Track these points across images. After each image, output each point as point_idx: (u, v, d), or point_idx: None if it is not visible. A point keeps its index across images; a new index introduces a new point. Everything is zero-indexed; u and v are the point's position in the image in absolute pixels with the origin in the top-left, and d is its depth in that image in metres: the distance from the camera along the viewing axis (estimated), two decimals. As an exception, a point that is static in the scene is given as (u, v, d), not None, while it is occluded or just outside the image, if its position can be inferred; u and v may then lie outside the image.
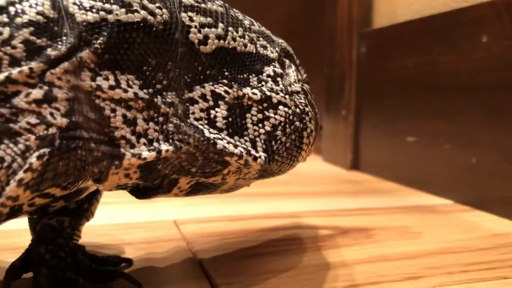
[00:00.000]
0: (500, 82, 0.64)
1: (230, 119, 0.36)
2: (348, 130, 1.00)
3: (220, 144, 0.34)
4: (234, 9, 0.40)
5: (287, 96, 0.40)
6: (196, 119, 0.34)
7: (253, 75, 0.39)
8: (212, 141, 0.34)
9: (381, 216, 0.62)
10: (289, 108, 0.39)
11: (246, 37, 0.39)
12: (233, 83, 0.37)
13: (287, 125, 0.39)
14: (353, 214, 0.63)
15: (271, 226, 0.57)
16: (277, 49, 0.42)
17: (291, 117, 0.39)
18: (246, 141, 0.36)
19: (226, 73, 0.37)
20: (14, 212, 0.30)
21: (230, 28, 0.38)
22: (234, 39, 0.38)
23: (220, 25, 0.37)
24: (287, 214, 0.63)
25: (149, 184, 0.35)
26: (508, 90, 0.62)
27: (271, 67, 0.40)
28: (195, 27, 0.35)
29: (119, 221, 0.57)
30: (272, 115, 0.38)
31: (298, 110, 0.40)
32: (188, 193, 0.38)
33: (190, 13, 0.35)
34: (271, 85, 0.39)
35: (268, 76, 0.39)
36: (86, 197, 0.41)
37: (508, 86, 0.62)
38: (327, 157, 1.10)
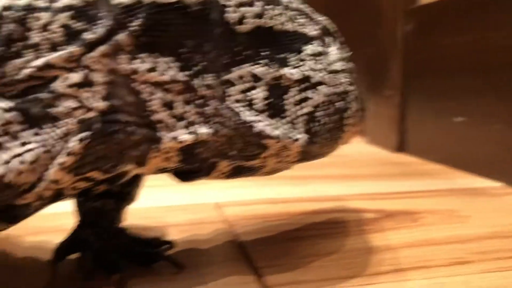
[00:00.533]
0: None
1: (269, 100, 0.35)
2: (393, 111, 0.97)
3: (259, 126, 0.34)
4: None
5: (327, 76, 0.38)
6: (235, 101, 0.34)
7: (292, 54, 0.37)
8: (249, 124, 0.33)
9: (427, 199, 0.61)
10: (330, 87, 0.38)
11: (284, 15, 0.38)
12: (271, 63, 0.36)
13: (328, 105, 0.38)
14: (399, 197, 0.61)
15: (314, 209, 0.56)
16: (317, 27, 0.41)
17: (332, 97, 0.38)
18: (286, 122, 0.36)
19: (264, 53, 0.36)
20: (58, 195, 0.31)
21: (268, 7, 0.36)
22: (271, 18, 0.37)
23: (257, 3, 0.36)
24: (330, 197, 0.62)
25: (190, 167, 0.35)
26: None
27: (311, 45, 0.39)
28: (232, 6, 0.34)
29: (162, 204, 0.57)
30: (312, 95, 0.37)
31: (339, 89, 0.39)
32: (228, 176, 0.37)
33: None
34: (311, 64, 0.38)
35: (307, 55, 0.38)
36: (129, 180, 0.41)
37: None
38: (371, 139, 1.08)
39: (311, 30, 0.40)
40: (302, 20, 0.40)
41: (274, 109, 0.35)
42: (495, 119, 0.70)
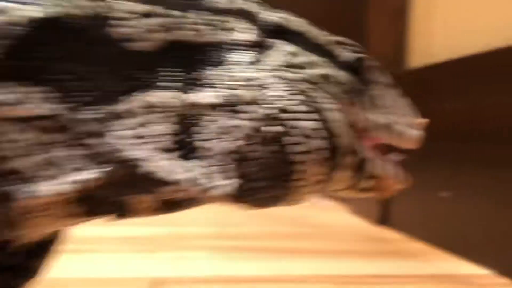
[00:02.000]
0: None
1: (179, 136, 0.28)
2: (377, 179, 0.90)
3: (162, 168, 0.27)
4: None
5: (262, 92, 0.31)
6: (130, 138, 0.27)
7: (214, 69, 0.31)
8: (150, 164, 0.27)
9: (403, 286, 0.53)
10: (265, 107, 0.31)
11: (204, 22, 0.31)
12: (182, 85, 0.29)
13: (263, 134, 0.31)
14: (372, 282, 0.54)
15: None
16: (257, 27, 0.34)
17: (266, 121, 0.31)
18: (206, 164, 0.29)
19: (172, 74, 0.29)
20: None
21: (176, 13, 0.30)
22: (182, 28, 0.30)
23: (159, 12, 0.30)
24: (292, 277, 0.54)
25: (103, 212, 0.28)
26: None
27: (242, 53, 0.32)
28: (123, 19, 0.28)
29: (85, 275, 0.49)
30: (239, 121, 0.30)
31: (277, 110, 0.32)
32: (162, 211, 0.31)
33: (117, 2, 0.28)
34: (239, 78, 0.31)
35: (236, 64, 0.32)
36: (33, 249, 0.34)
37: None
38: (354, 209, 1.00)
39: (246, 33, 0.33)
40: (233, 24, 0.33)
41: (188, 147, 0.28)
42: (484, 196, 0.63)
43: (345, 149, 0.35)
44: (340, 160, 0.35)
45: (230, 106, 0.30)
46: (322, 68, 0.37)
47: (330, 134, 0.34)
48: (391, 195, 0.39)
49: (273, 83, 0.33)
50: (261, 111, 0.31)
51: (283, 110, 0.32)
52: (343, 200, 1.08)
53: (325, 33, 0.41)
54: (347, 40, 0.42)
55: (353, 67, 0.40)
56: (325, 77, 0.36)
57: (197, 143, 0.29)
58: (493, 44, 0.66)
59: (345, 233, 0.83)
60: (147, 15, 0.29)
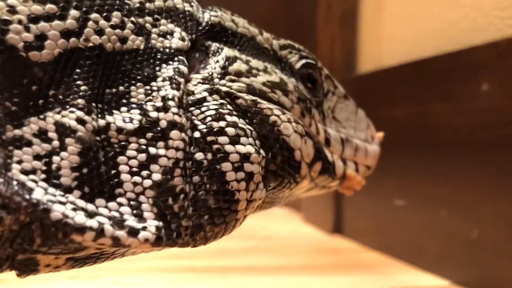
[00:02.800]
0: (504, 139, 0.53)
1: (84, 169, 0.24)
2: (330, 187, 0.88)
3: (59, 211, 0.23)
4: None
5: (194, 110, 0.28)
6: (26, 172, 0.23)
7: (139, 84, 0.27)
8: (44, 207, 0.22)
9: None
10: (193, 130, 0.28)
11: (129, 25, 0.27)
12: (94, 105, 0.25)
13: (199, 167, 0.28)
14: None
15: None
16: (193, 29, 0.31)
17: (194, 147, 0.28)
18: (119, 204, 0.25)
19: (84, 90, 0.25)
20: None
21: (94, 15, 0.26)
22: (100, 33, 0.26)
23: (73, 12, 0.25)
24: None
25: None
26: (511, 149, 0.51)
27: (174, 63, 0.29)
28: (20, 22, 0.24)
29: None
30: (162, 151, 0.26)
31: (208, 132, 0.28)
32: (71, 267, 0.27)
33: (11, 1, 0.24)
34: (166, 95, 0.27)
35: (166, 79, 0.28)
36: None
37: (511, 144, 0.51)
38: (307, 217, 0.97)
39: (180, 39, 0.30)
40: (165, 27, 0.29)
41: (96, 183, 0.24)
42: (439, 204, 0.61)
43: (305, 160, 0.35)
44: (301, 173, 0.34)
45: (151, 132, 0.27)
46: (268, 75, 0.35)
47: (285, 148, 0.33)
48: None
49: (203, 99, 0.30)
50: (186, 135, 0.28)
51: (217, 132, 0.29)
52: (295, 208, 1.06)
53: (271, 35, 0.39)
54: (295, 45, 0.40)
55: (303, 75, 0.38)
56: (271, 85, 0.34)
57: (105, 179, 0.25)
58: (442, 49, 0.65)
59: (298, 245, 0.80)
60: (56, 16, 0.25)
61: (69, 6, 0.25)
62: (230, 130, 0.30)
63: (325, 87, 0.41)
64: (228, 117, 0.30)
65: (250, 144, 0.30)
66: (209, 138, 0.29)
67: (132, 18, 0.28)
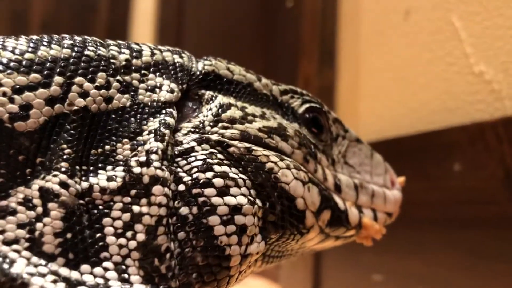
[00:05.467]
0: (475, 217, 0.55)
1: (68, 234, 0.23)
2: (309, 258, 0.88)
3: (37, 285, 0.22)
4: (107, 40, 0.28)
5: (180, 161, 0.27)
6: (8, 243, 0.22)
7: (125, 141, 0.27)
8: (22, 281, 0.22)
9: None
10: (178, 183, 0.27)
11: (114, 84, 0.27)
12: (78, 168, 0.25)
13: (186, 223, 0.26)
14: None
15: None
16: (184, 80, 0.30)
17: (180, 202, 0.27)
18: (105, 269, 0.24)
19: (67, 153, 0.25)
20: None
21: (78, 79, 0.26)
22: (85, 95, 0.26)
23: (57, 79, 0.26)
24: None
25: None
26: (483, 227, 0.53)
27: (161, 116, 0.28)
28: (4, 94, 0.24)
29: None
30: (145, 208, 0.25)
31: (193, 185, 0.27)
32: None
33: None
34: (150, 148, 0.27)
35: (151, 132, 0.27)
36: None
37: (483, 223, 0.53)
38: (285, 287, 0.97)
39: (167, 91, 0.29)
40: (153, 81, 0.29)
41: (80, 249, 0.23)
42: (416, 281, 0.62)
43: (310, 209, 0.33)
44: (305, 223, 0.32)
45: (135, 189, 0.26)
46: (265, 121, 0.33)
47: (285, 196, 0.31)
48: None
49: (191, 149, 0.29)
50: (169, 190, 0.27)
51: (203, 184, 0.28)
52: (273, 279, 1.05)
53: (271, 81, 0.38)
54: (298, 89, 0.39)
55: (306, 119, 0.37)
56: (268, 130, 0.33)
57: (89, 243, 0.24)
58: (417, 128, 0.68)
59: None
60: (41, 84, 0.25)
61: (53, 72, 0.26)
62: (218, 181, 0.28)
63: (333, 131, 0.39)
64: (216, 167, 0.29)
65: (242, 194, 0.29)
66: (194, 191, 0.27)
67: (118, 77, 0.28)
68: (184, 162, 0.28)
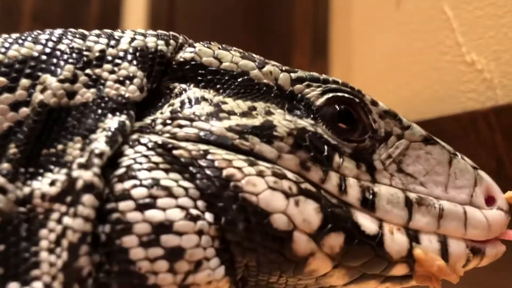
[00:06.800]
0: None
1: (1, 246, 0.21)
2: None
3: None
4: (70, 32, 0.26)
5: (108, 170, 0.23)
6: None
7: (77, 139, 0.23)
8: None
9: None
10: (118, 198, 0.23)
11: (81, 78, 0.24)
12: (22, 170, 0.22)
13: (93, 240, 0.22)
14: None
15: None
16: (159, 72, 0.27)
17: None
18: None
19: (13, 153, 0.22)
20: None
21: (43, 77, 0.24)
22: (44, 90, 0.23)
23: (23, 82, 0.23)
24: None
25: None
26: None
27: (122, 116, 0.24)
28: None
29: None
30: (70, 221, 0.21)
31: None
32: None
33: None
34: (94, 149, 0.23)
35: (105, 130, 0.23)
36: None
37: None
38: None
39: (138, 87, 0.26)
40: (130, 70, 0.26)
41: (8, 265, 0.21)
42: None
43: (300, 229, 0.25)
44: (293, 248, 0.25)
45: (68, 196, 0.22)
46: (245, 119, 0.27)
47: (251, 211, 0.25)
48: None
49: (120, 154, 0.24)
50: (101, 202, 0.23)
51: (118, 197, 0.23)
52: None
53: (281, 67, 0.31)
54: (321, 76, 0.31)
55: (329, 113, 0.29)
56: (241, 130, 0.27)
57: (22, 258, 0.21)
58: (409, 117, 0.68)
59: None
60: None
61: (21, 75, 0.24)
62: (139, 192, 0.23)
63: (379, 128, 0.31)
64: (142, 174, 0.24)
65: (178, 207, 0.23)
66: (108, 206, 0.23)
67: (88, 70, 0.25)
68: (111, 170, 0.24)
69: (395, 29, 0.72)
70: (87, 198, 0.22)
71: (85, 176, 0.22)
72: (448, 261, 0.28)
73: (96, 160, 0.23)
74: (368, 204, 0.28)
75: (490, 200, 0.31)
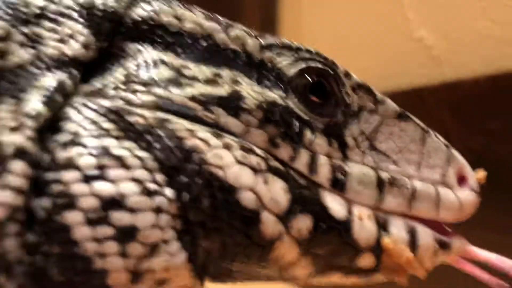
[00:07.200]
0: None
1: None
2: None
3: None
4: None
5: (49, 136, 0.20)
6: None
7: (10, 101, 0.20)
8: None
9: None
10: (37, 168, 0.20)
11: (16, 37, 0.21)
12: None
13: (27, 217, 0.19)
14: None
15: None
16: (110, 31, 0.24)
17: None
18: None
19: None
20: None
21: None
22: None
23: None
24: None
25: None
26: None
27: (63, 73, 0.22)
28: None
29: None
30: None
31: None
32: None
33: None
34: (29, 112, 0.20)
35: (40, 89, 0.21)
36: None
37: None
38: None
39: (83, 45, 0.23)
40: (75, 28, 0.23)
41: None
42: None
43: (268, 208, 0.23)
44: (261, 228, 0.23)
45: None
46: (209, 87, 0.25)
47: (217, 186, 0.22)
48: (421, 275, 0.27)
49: (67, 118, 0.21)
50: (34, 172, 0.20)
51: (62, 166, 0.20)
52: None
53: (252, 32, 0.29)
54: (293, 44, 0.29)
55: (300, 85, 0.27)
56: (205, 100, 0.24)
57: None
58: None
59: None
60: None
61: None
62: (86, 161, 0.20)
63: (352, 102, 0.28)
64: (90, 141, 0.21)
65: (133, 180, 0.21)
66: (48, 176, 0.20)
67: (24, 29, 0.22)
68: (52, 137, 0.21)
69: (344, 4, 0.71)
70: (18, 165, 0.19)
71: (15, 139, 0.19)
72: (416, 253, 0.26)
73: (30, 122, 0.20)
74: (339, 185, 0.26)
75: (462, 180, 0.29)
